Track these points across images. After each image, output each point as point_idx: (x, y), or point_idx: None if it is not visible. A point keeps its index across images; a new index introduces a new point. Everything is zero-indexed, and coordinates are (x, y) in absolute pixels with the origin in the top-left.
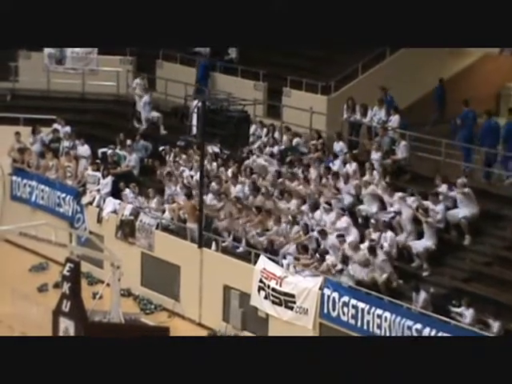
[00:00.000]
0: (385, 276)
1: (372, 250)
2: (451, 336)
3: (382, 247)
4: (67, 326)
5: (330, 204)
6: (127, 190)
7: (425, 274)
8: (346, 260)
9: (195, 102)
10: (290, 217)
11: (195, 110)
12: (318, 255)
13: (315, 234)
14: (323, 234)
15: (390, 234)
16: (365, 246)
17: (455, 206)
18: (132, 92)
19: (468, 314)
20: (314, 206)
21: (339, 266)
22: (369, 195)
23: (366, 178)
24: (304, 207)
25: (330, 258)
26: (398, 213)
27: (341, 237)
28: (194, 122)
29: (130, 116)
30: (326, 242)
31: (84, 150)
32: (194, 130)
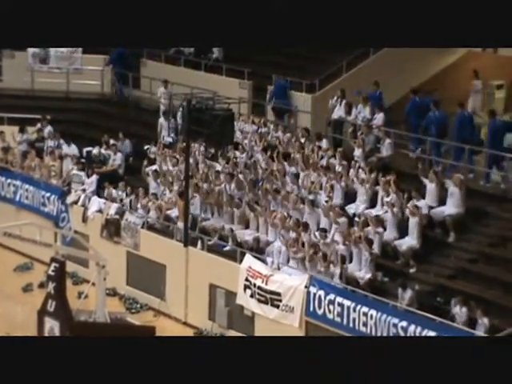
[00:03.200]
0: (369, 275)
1: (370, 243)
2: (438, 336)
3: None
4: (52, 326)
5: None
6: (115, 190)
7: (411, 270)
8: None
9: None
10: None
11: (180, 109)
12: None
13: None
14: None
15: (380, 230)
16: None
17: (440, 204)
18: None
19: (462, 313)
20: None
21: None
22: (360, 192)
23: (352, 174)
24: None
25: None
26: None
27: (323, 231)
28: (179, 120)
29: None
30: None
31: (71, 149)
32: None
